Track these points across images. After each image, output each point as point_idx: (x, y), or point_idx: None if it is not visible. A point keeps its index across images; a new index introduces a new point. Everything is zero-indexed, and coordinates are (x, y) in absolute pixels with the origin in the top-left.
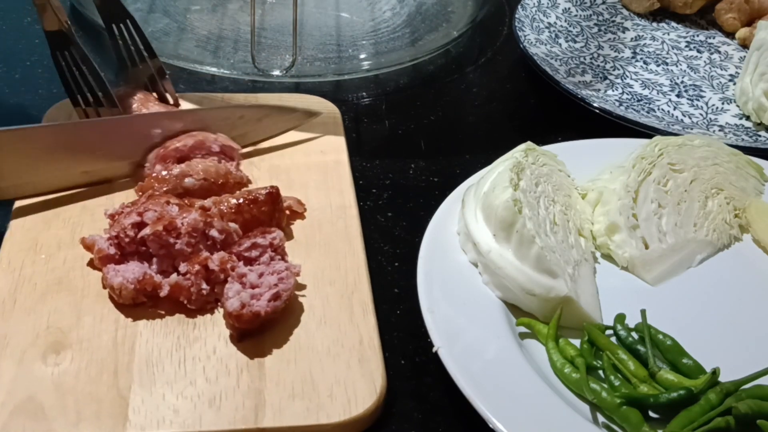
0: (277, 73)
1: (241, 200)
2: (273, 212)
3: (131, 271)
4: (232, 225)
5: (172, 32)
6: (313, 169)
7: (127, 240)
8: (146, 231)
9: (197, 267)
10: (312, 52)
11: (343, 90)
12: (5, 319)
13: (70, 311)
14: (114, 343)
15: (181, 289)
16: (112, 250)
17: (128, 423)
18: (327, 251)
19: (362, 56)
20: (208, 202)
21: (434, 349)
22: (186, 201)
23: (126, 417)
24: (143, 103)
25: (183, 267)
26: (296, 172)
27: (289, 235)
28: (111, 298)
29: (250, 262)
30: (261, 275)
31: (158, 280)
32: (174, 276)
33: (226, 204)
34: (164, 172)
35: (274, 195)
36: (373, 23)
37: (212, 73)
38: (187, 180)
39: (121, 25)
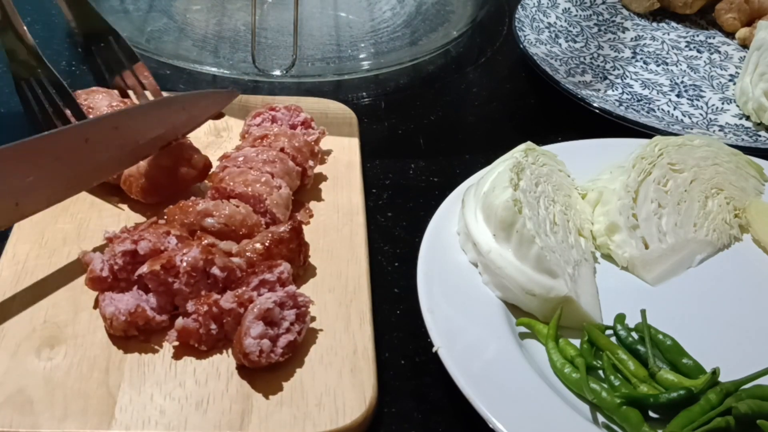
0: (277, 73)
1: (267, 243)
2: (299, 247)
3: (125, 302)
4: (236, 260)
5: (171, 32)
6: (323, 174)
7: (116, 268)
8: (143, 269)
9: (205, 308)
10: (312, 52)
11: (343, 90)
12: (4, 311)
13: (69, 306)
14: (108, 341)
15: (190, 333)
16: (105, 273)
17: (114, 421)
18: (330, 258)
19: (362, 56)
20: (226, 245)
21: (434, 349)
22: (198, 236)
23: (112, 415)
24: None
25: (190, 306)
26: None
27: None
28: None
29: None
30: (282, 306)
31: (151, 315)
32: (180, 320)
33: (251, 249)
34: (190, 204)
35: (297, 230)
36: (373, 23)
37: (212, 73)
38: (207, 220)
39: (102, 44)
